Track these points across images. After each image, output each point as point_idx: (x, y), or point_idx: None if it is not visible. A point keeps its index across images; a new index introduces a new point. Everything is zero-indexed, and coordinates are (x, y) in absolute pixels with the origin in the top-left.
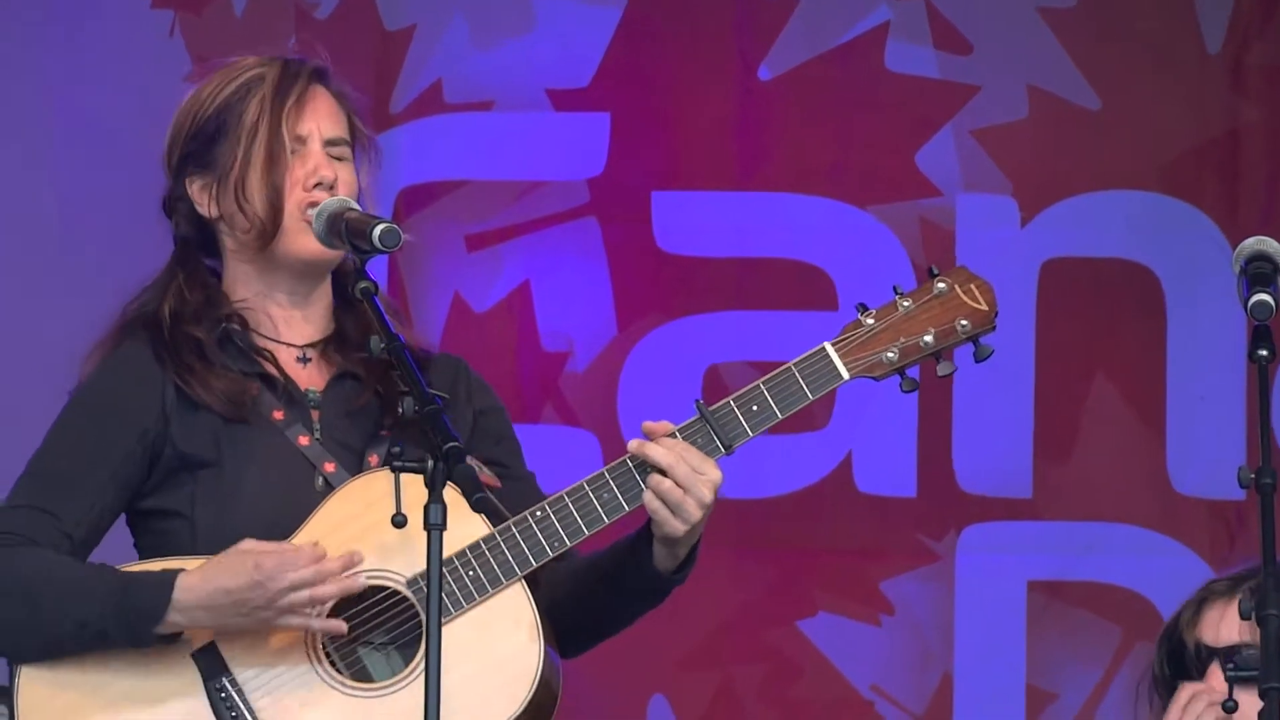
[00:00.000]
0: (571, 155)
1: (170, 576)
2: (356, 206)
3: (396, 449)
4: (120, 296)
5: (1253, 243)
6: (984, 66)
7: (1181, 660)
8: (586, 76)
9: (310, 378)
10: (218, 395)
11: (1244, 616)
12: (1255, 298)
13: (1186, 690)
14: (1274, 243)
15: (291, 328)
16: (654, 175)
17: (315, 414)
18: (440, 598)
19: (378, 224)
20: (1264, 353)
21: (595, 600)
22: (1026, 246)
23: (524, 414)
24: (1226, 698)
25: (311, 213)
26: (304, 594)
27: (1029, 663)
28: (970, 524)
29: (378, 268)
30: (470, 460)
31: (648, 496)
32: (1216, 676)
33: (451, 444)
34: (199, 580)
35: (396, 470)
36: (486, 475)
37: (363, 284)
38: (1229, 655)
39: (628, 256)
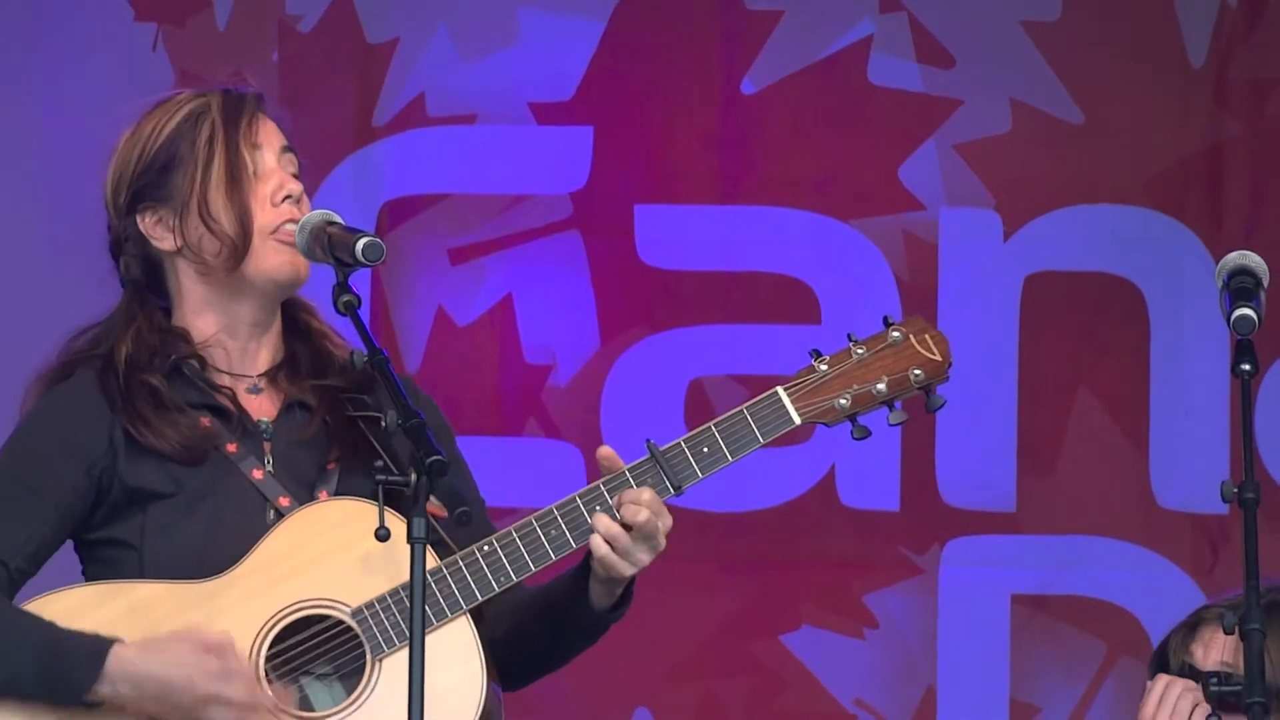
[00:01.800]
0: (554, 169)
1: (104, 646)
2: (339, 219)
3: (380, 463)
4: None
5: (1235, 257)
6: (967, 80)
7: None
8: (569, 90)
9: (262, 407)
10: (172, 444)
11: (1228, 631)
12: (1238, 312)
13: (1161, 681)
14: (1256, 257)
15: (246, 359)
16: (637, 189)
17: (267, 445)
18: (424, 611)
19: (360, 238)
20: (1247, 367)
21: (535, 635)
22: (1009, 260)
23: (506, 427)
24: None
25: (291, 228)
26: (230, 715)
27: (1012, 676)
28: (953, 537)
29: (360, 281)
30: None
31: (595, 540)
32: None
33: (435, 458)
34: (135, 654)
35: (380, 484)
36: (433, 505)
37: (345, 298)
38: (1213, 678)
39: (611, 270)
